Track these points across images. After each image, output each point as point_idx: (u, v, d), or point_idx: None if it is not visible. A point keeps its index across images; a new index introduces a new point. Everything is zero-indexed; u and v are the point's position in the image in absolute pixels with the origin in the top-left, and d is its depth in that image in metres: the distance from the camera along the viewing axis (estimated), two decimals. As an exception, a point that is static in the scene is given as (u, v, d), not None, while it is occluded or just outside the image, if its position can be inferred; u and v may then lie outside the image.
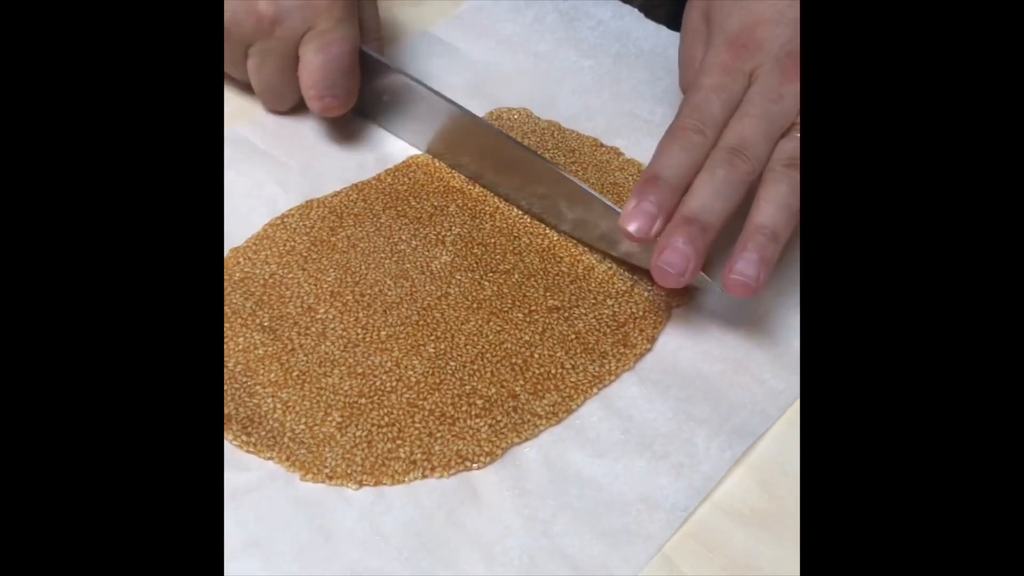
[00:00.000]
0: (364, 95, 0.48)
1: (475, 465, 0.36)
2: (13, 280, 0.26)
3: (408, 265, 0.43)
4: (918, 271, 0.27)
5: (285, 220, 0.44)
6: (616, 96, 0.53)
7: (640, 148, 0.49)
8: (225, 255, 0.42)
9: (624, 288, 0.42)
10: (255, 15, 0.44)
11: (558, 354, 0.39)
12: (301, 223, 0.44)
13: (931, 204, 0.27)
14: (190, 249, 0.27)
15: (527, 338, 0.40)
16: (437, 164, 0.48)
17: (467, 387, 0.38)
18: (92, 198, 0.27)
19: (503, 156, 0.45)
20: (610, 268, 0.43)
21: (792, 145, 0.40)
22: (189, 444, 0.26)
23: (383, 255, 0.43)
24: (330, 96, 0.46)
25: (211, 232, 0.28)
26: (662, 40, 0.56)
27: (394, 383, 0.38)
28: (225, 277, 0.41)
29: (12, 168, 0.26)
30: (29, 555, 0.24)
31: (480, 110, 0.51)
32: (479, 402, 0.37)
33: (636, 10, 0.57)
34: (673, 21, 0.59)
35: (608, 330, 0.41)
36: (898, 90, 0.28)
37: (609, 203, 0.41)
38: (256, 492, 0.34)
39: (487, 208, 0.45)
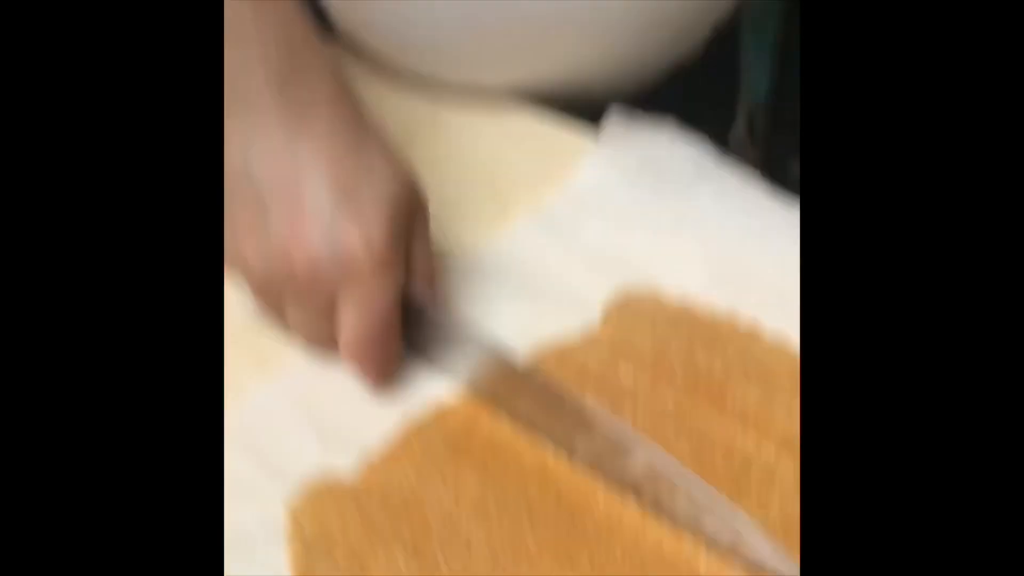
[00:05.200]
0: (407, 339, 0.44)
1: None
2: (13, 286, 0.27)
3: (552, 462, 0.40)
4: (919, 269, 0.27)
5: (422, 428, 0.43)
6: (740, 275, 0.48)
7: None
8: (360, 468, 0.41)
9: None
10: (288, 266, 0.40)
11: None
12: (437, 430, 0.42)
13: (931, 200, 0.27)
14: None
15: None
16: None
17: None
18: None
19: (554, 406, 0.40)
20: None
21: None
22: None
23: (524, 455, 0.41)
24: (368, 364, 0.42)
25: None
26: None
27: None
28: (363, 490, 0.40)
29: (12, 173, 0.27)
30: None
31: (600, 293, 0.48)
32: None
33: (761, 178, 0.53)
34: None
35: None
36: (893, 88, 0.28)
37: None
38: None
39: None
